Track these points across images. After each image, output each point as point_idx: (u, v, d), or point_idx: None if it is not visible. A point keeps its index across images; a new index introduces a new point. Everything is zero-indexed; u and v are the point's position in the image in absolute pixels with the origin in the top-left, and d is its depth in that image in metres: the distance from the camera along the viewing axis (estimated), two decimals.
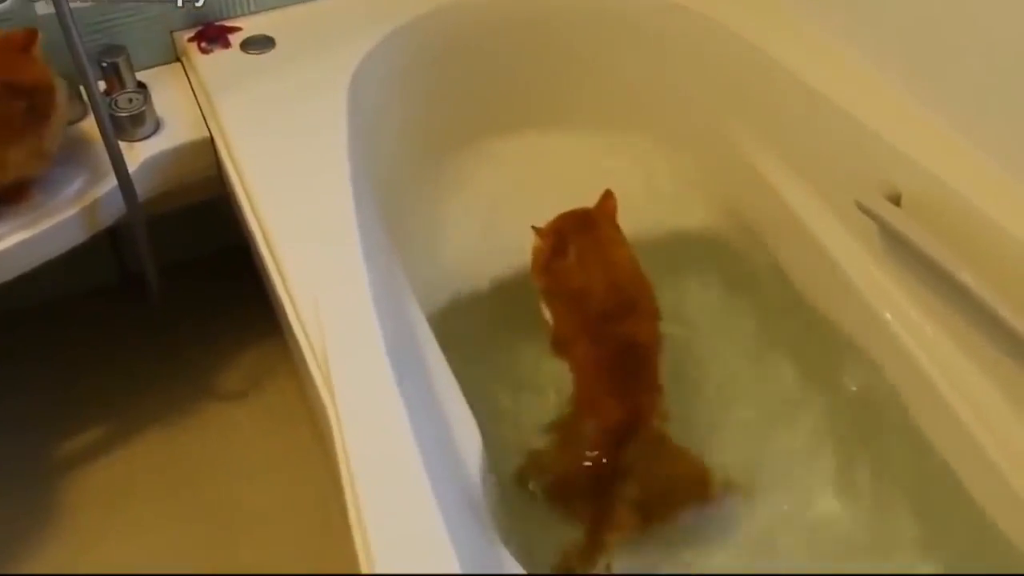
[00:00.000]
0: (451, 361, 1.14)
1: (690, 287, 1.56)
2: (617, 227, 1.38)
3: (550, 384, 1.38)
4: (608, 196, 1.38)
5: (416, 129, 1.57)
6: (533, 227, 1.37)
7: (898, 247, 1.27)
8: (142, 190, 1.35)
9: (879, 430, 1.34)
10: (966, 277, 1.13)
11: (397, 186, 1.49)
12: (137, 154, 1.35)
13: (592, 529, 1.18)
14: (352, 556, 0.87)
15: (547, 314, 1.37)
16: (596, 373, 1.28)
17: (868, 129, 1.29)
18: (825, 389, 1.40)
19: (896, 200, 1.25)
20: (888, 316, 1.30)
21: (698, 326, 1.51)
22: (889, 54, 1.34)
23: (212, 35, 1.50)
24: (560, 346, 1.35)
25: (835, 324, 1.41)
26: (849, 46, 1.39)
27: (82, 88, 1.35)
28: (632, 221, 1.56)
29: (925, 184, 1.22)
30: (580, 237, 1.35)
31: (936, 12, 1.25)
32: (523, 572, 0.97)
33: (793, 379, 1.43)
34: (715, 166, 1.61)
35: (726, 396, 1.41)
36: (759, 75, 1.47)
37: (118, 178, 1.30)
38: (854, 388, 1.38)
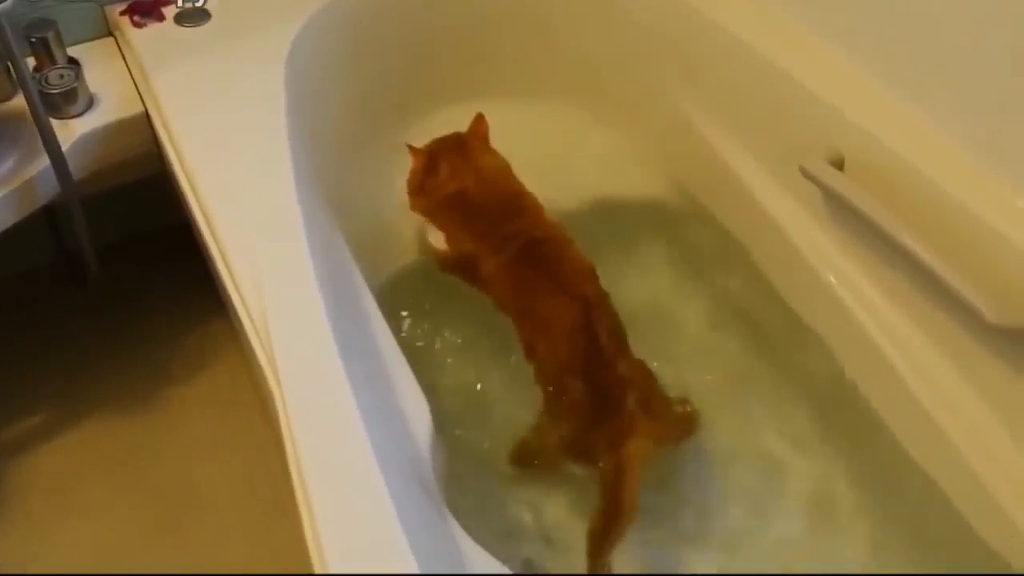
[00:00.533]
0: (397, 332, 1.13)
1: (636, 255, 1.57)
2: (489, 146, 1.41)
3: (502, 350, 1.37)
4: (479, 119, 1.41)
5: (357, 101, 1.55)
6: (408, 144, 1.40)
7: (842, 211, 1.28)
8: (76, 168, 1.31)
9: (821, 389, 1.36)
10: (907, 239, 1.14)
11: (339, 159, 1.47)
12: (71, 132, 1.32)
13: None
14: (301, 535, 0.87)
15: (433, 240, 1.42)
16: (521, 282, 1.27)
17: (811, 93, 1.29)
18: (770, 353, 1.42)
19: (839, 165, 1.26)
20: (832, 279, 1.32)
21: (643, 293, 1.52)
22: (831, 19, 1.34)
23: (145, 8, 1.46)
24: (457, 265, 1.37)
25: (779, 288, 1.42)
26: (792, 12, 1.39)
27: (10, 65, 1.31)
28: (576, 189, 1.57)
29: (867, 148, 1.23)
30: (452, 154, 1.38)
31: None
32: (473, 545, 0.97)
33: (739, 345, 1.45)
34: (660, 133, 1.61)
35: (672, 362, 1.41)
36: (702, 40, 1.47)
37: (51, 157, 1.27)
38: (799, 352, 1.39)
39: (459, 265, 1.37)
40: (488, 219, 1.32)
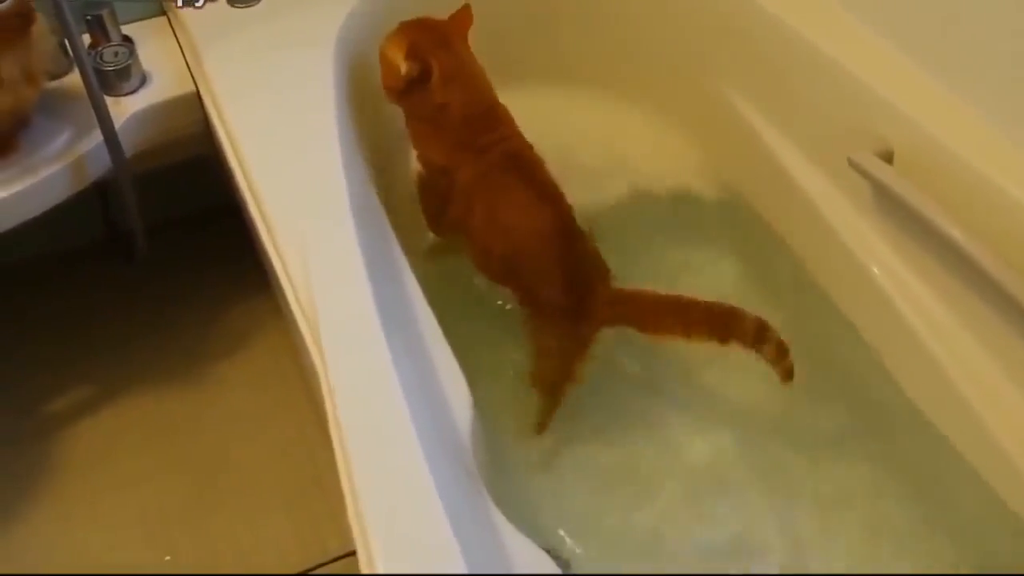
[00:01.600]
0: (440, 318, 1.13)
1: (680, 246, 1.56)
2: (468, 45, 1.32)
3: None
4: (466, 10, 1.30)
5: None
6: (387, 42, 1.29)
7: (890, 205, 1.26)
8: (128, 145, 1.33)
9: (862, 389, 1.34)
10: (957, 235, 1.12)
11: (386, 139, 1.48)
12: (123, 109, 1.34)
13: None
14: (342, 512, 0.88)
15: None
16: (498, 190, 1.27)
17: (861, 84, 1.28)
18: (813, 347, 1.40)
19: (888, 158, 1.24)
20: (877, 272, 1.30)
21: (683, 286, 1.50)
22: (883, 10, 1.33)
23: None
24: (431, 183, 1.35)
25: (824, 282, 1.41)
26: (845, 4, 1.38)
27: (66, 42, 1.33)
28: (615, 179, 1.56)
29: (918, 141, 1.21)
30: (439, 53, 1.26)
31: None
32: (514, 532, 0.97)
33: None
34: (706, 123, 1.60)
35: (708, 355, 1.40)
36: (749, 28, 1.45)
37: (104, 133, 1.29)
38: (840, 347, 1.38)
39: (432, 182, 1.35)
40: (469, 130, 1.28)
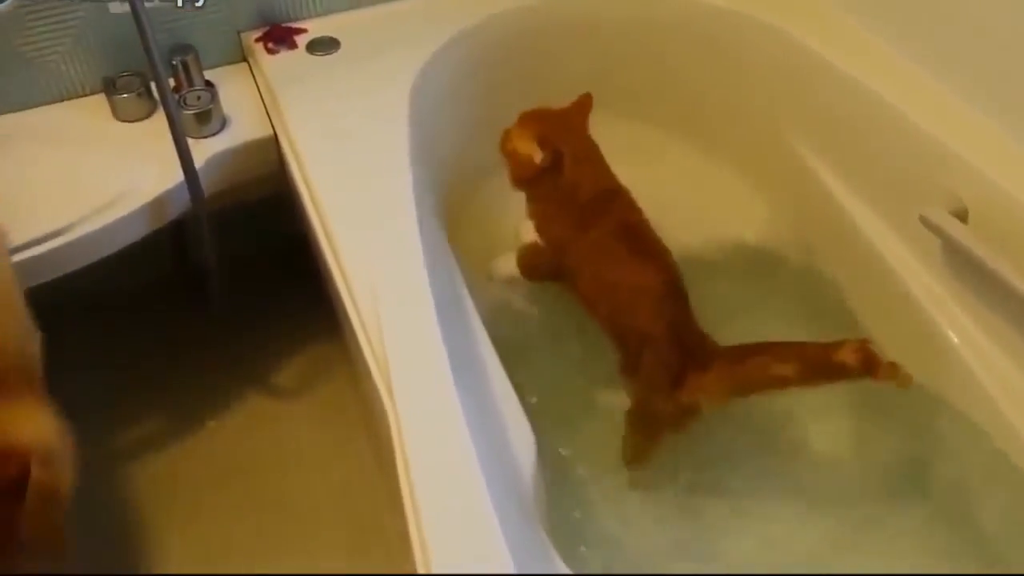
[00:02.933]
0: (504, 363, 1.14)
1: (744, 301, 1.54)
2: (587, 128, 1.38)
3: (604, 380, 1.37)
4: (586, 97, 1.37)
5: (475, 130, 1.57)
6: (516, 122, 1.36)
7: (963, 264, 1.24)
8: (207, 185, 1.37)
9: (950, 458, 1.30)
10: None
11: (457, 188, 1.50)
12: (203, 150, 1.38)
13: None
14: (401, 554, 0.88)
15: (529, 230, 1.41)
16: (612, 257, 1.30)
17: (933, 140, 1.27)
18: (884, 420, 1.37)
19: (962, 215, 1.23)
20: (952, 336, 1.27)
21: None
22: (953, 65, 1.32)
23: (279, 36, 1.52)
24: (544, 255, 1.40)
25: (894, 344, 1.38)
26: (912, 56, 1.37)
27: (152, 85, 1.38)
28: (685, 231, 1.55)
29: (992, 199, 1.20)
30: (562, 138, 1.33)
31: (999, 22, 1.23)
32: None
33: (847, 404, 1.40)
34: (774, 177, 1.60)
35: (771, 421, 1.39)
36: (819, 83, 1.45)
37: (185, 173, 1.32)
38: (912, 409, 1.33)
39: (545, 255, 1.40)
40: (590, 206, 1.34)
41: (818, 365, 1.17)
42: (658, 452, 1.31)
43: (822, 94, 1.46)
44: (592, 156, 1.36)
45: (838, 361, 1.15)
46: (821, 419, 1.38)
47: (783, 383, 1.18)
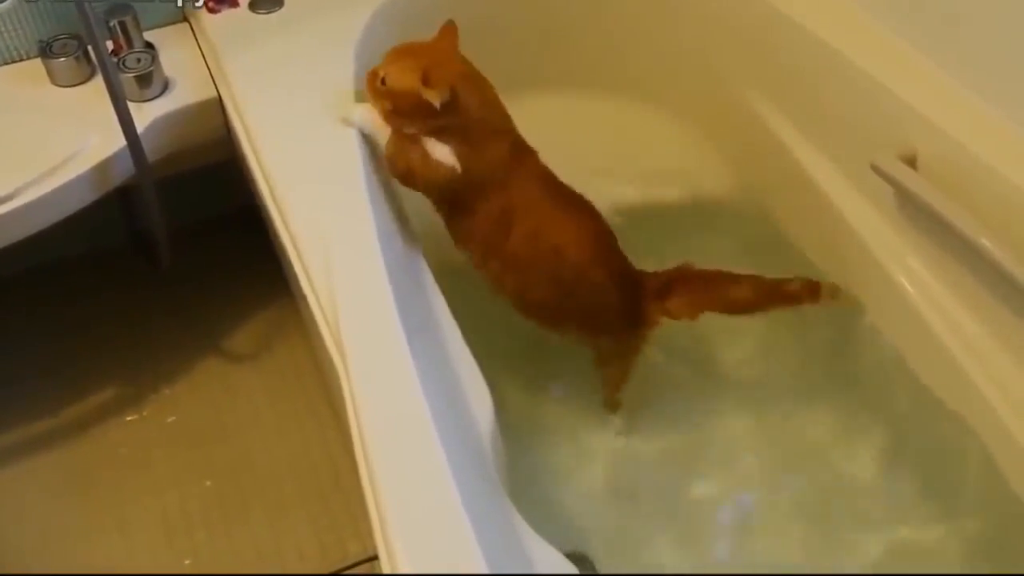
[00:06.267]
0: (459, 318, 1.13)
1: (702, 251, 1.54)
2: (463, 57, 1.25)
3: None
4: (450, 26, 1.24)
5: None
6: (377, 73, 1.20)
7: (914, 211, 1.25)
8: (151, 150, 1.34)
9: (893, 400, 1.33)
10: (985, 242, 1.11)
11: None
12: (145, 114, 1.34)
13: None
14: (362, 517, 0.88)
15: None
16: (542, 209, 1.24)
17: (883, 88, 1.27)
18: (836, 358, 1.40)
19: (912, 162, 1.23)
20: (903, 280, 1.29)
21: None
22: (903, 13, 1.32)
23: None
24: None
25: (848, 289, 1.39)
26: (863, 5, 1.37)
27: (89, 48, 1.34)
28: (644, 184, 1.55)
29: (942, 146, 1.20)
30: (469, 82, 1.21)
31: None
32: (536, 538, 0.96)
33: (801, 345, 1.43)
34: (728, 129, 1.59)
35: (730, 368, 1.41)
36: (772, 34, 1.45)
37: (127, 138, 1.29)
38: (865, 356, 1.36)
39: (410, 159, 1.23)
40: (491, 137, 1.24)
41: (769, 292, 1.28)
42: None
43: (774, 44, 1.45)
44: (482, 84, 1.23)
45: (787, 289, 1.27)
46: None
47: (738, 306, 1.29)
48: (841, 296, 1.29)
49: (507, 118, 1.26)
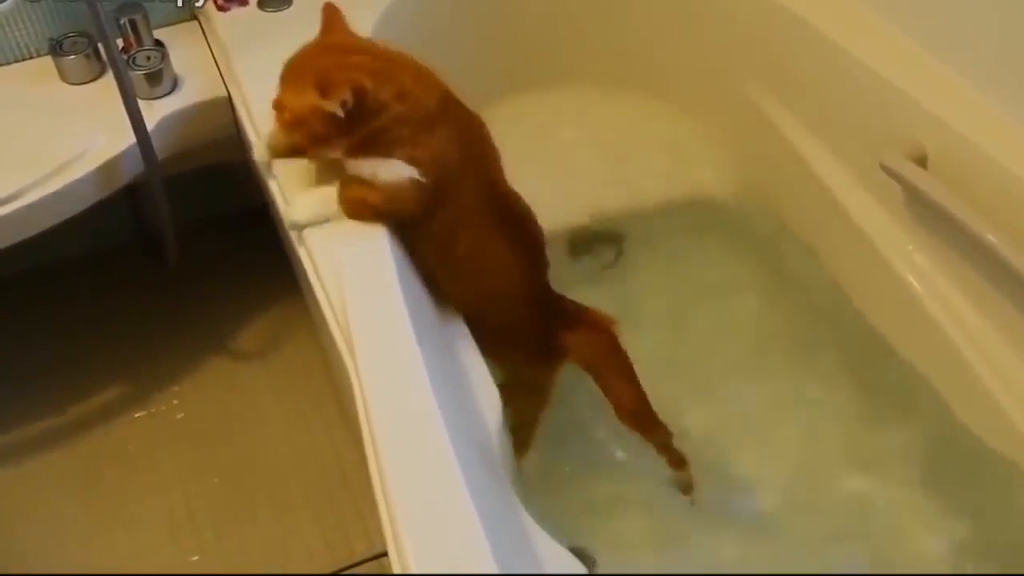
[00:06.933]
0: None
1: (705, 250, 1.55)
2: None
3: None
4: (329, 8, 1.13)
5: None
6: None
7: (922, 208, 1.25)
8: (160, 148, 1.34)
9: (909, 406, 1.32)
10: (993, 240, 1.11)
11: None
12: (155, 112, 1.35)
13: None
14: (369, 514, 0.87)
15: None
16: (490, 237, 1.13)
17: (892, 87, 1.27)
18: (848, 368, 1.39)
19: (922, 162, 1.23)
20: (913, 281, 1.28)
21: (711, 291, 1.51)
22: (912, 11, 1.31)
23: None
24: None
25: (856, 290, 1.40)
26: (871, 5, 1.37)
27: (99, 46, 1.34)
28: (647, 182, 1.55)
29: (951, 144, 1.20)
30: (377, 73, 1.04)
31: None
32: (542, 532, 0.96)
33: (807, 345, 1.43)
34: (734, 126, 1.59)
35: (731, 368, 1.41)
36: (780, 32, 1.45)
37: (136, 135, 1.29)
38: (876, 359, 1.36)
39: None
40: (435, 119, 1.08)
41: (644, 417, 1.22)
42: None
43: (780, 41, 1.45)
44: (397, 64, 1.09)
45: (659, 434, 1.23)
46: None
47: (620, 400, 1.21)
48: (684, 474, 1.26)
49: (441, 94, 1.09)
